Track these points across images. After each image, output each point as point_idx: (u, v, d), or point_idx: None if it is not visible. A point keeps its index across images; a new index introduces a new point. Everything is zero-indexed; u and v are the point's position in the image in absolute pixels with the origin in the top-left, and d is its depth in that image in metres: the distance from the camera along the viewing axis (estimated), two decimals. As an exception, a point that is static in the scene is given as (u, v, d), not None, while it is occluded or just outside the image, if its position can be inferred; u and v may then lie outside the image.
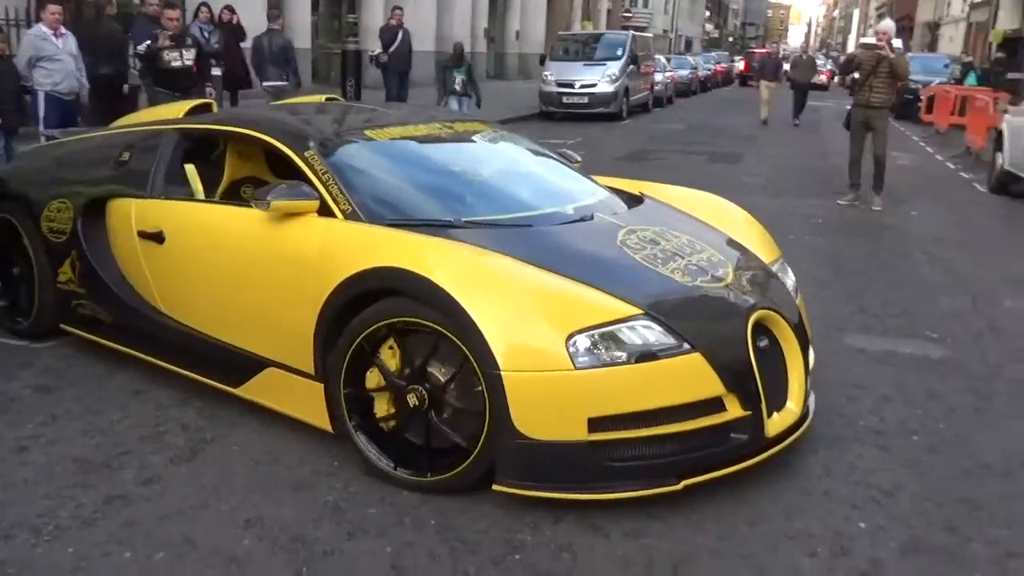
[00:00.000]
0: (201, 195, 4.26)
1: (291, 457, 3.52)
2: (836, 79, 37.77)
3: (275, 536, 2.97)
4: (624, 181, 4.84)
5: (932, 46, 48.88)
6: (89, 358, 4.47)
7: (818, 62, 30.98)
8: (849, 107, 10.41)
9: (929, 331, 5.41)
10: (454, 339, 3.11)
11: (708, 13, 79.41)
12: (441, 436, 3.25)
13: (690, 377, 3.14)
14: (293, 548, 2.91)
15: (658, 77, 25.32)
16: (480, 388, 3.07)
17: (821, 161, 14.06)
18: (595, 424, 3.00)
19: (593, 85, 19.97)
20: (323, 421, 3.51)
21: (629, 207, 4.24)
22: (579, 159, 5.03)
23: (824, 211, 9.53)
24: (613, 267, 3.50)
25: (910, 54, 24.28)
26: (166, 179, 4.26)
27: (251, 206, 3.67)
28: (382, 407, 3.37)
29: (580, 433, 3.00)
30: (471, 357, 3.06)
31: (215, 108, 4.98)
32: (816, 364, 3.92)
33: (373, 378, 3.37)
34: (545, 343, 3.02)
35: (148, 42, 9.01)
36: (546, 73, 20.71)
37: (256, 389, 3.76)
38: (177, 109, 4.88)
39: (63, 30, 8.40)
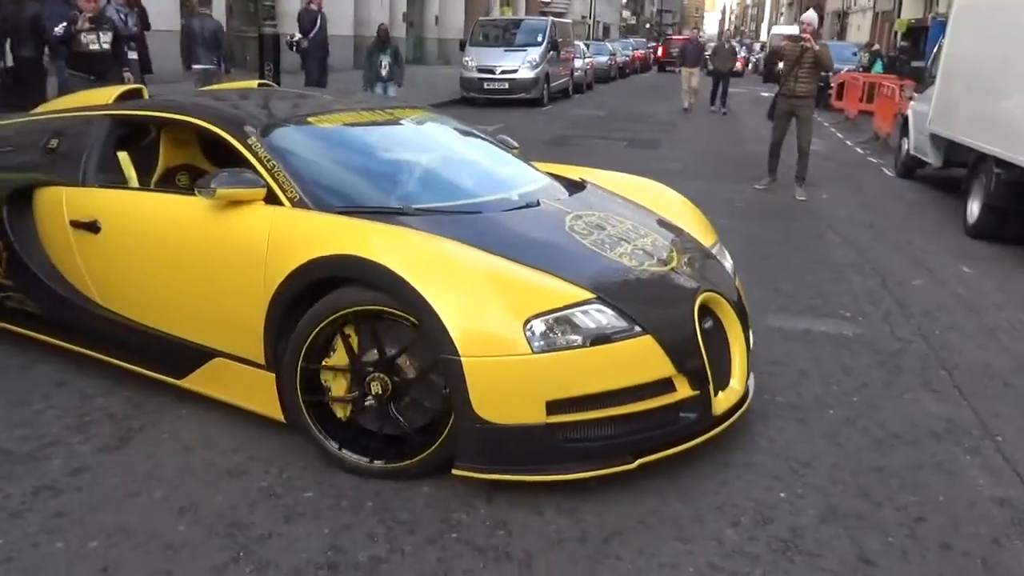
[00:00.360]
0: (135, 183, 4.16)
1: (224, 444, 3.50)
2: (749, 67, 38.53)
3: (210, 522, 2.97)
4: (563, 167, 4.89)
5: (841, 34, 50.28)
6: (9, 349, 4.35)
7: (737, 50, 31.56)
8: (769, 94, 10.68)
9: (843, 310, 5.64)
10: (412, 326, 3.12)
11: (625, 0, 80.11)
12: (402, 421, 3.27)
13: (642, 359, 3.21)
14: (229, 533, 2.91)
15: (578, 63, 25.48)
16: (439, 374, 3.09)
17: (738, 147, 14.40)
18: (553, 407, 3.05)
19: (514, 71, 20.05)
20: (274, 410, 3.48)
21: (571, 193, 4.28)
22: (517, 145, 5.06)
23: (741, 195, 9.78)
24: (563, 253, 3.55)
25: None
26: (99, 167, 4.11)
27: (193, 194, 3.59)
28: (339, 393, 3.35)
29: (539, 416, 3.05)
30: (430, 343, 3.07)
31: (146, 94, 4.83)
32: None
33: (329, 366, 3.34)
34: (503, 328, 3.05)
35: (65, 24, 8.70)
36: (466, 59, 20.69)
37: (202, 380, 3.70)
38: (106, 95, 4.70)
39: None
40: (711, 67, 21.66)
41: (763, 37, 71.68)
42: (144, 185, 4.25)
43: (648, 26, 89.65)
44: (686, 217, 4.44)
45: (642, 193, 4.58)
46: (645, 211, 4.29)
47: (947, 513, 3.22)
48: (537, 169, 4.60)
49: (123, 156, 4.18)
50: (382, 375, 3.23)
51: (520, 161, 4.66)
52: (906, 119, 11.82)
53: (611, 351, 3.15)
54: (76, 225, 3.99)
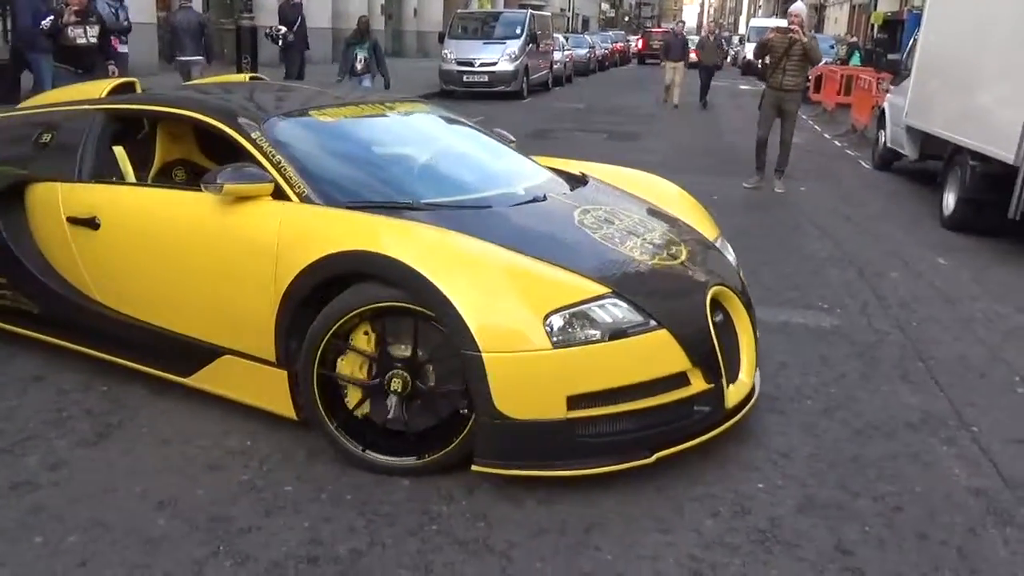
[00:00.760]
0: (132, 178, 4.08)
1: (203, 438, 3.49)
2: (728, 60, 38.45)
3: (190, 516, 2.96)
4: (559, 160, 4.87)
5: (819, 27, 50.53)
6: (-17, 343, 4.31)
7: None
8: (749, 87, 10.65)
9: (821, 302, 5.68)
10: (432, 322, 3.09)
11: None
12: (421, 418, 3.24)
13: (658, 353, 3.21)
14: (210, 527, 2.90)
15: (557, 56, 25.46)
16: (459, 369, 3.06)
17: (717, 140, 14.46)
18: (573, 402, 3.04)
19: (493, 64, 20.04)
20: (284, 408, 3.44)
21: (573, 187, 4.25)
22: (513, 139, 5.02)
23: (721, 189, 9.78)
24: (575, 247, 3.52)
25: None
26: (95, 162, 4.03)
27: (194, 189, 3.54)
28: (355, 394, 3.30)
29: (559, 411, 3.04)
30: (450, 339, 3.05)
31: (139, 88, 4.72)
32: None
33: (346, 364, 3.29)
34: (523, 323, 3.04)
35: (52, 17, 8.71)
36: (446, 51, 20.65)
37: (209, 378, 3.64)
38: (97, 88, 4.60)
39: None
40: (698, 61, 21.17)
41: (741, 30, 71.82)
42: (140, 181, 4.17)
43: (627, 19, 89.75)
44: (687, 210, 4.43)
45: (642, 187, 4.58)
46: (649, 205, 4.28)
47: (924, 503, 3.26)
48: (538, 163, 4.57)
49: (119, 151, 4.09)
50: (401, 372, 3.18)
51: (519, 155, 4.62)
52: (883, 112, 11.90)
53: (628, 345, 3.14)
54: (73, 221, 3.90)
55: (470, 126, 4.84)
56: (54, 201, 4.00)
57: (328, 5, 25.43)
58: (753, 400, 3.69)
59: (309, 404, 3.33)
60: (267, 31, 14.88)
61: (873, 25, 34.37)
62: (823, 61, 13.39)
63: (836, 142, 14.98)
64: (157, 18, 18.12)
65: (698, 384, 3.30)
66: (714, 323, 3.43)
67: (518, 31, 21.14)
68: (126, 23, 10.77)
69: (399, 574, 2.71)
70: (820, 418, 3.93)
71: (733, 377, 3.54)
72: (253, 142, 3.64)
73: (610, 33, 50.28)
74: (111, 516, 2.94)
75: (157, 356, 3.78)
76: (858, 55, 23.08)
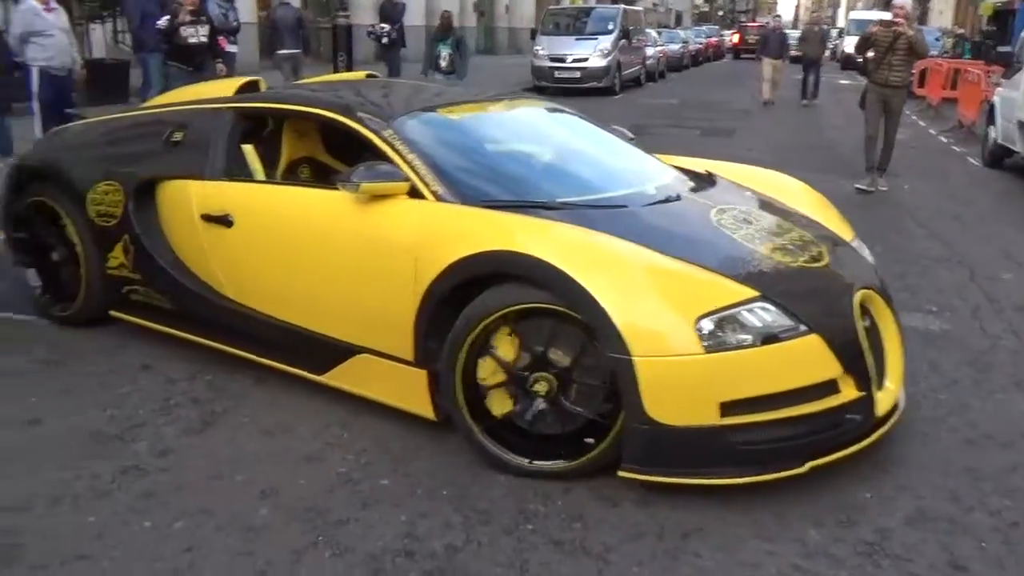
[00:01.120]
0: (261, 176, 4.13)
1: (302, 429, 3.55)
2: (849, 55, 37.26)
3: (291, 506, 3.01)
4: (682, 158, 4.76)
5: (922, 19, 48.82)
6: (96, 333, 4.47)
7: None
8: (849, 82, 10.30)
9: (929, 304, 5.46)
10: (580, 325, 3.05)
11: (698, -13, 78.96)
12: (569, 421, 3.18)
13: (810, 359, 3.11)
14: (308, 517, 2.94)
15: (649, 51, 25.18)
16: (606, 373, 3.02)
17: (816, 136, 14.08)
18: (727, 408, 2.97)
19: (585, 59, 19.90)
20: (423, 407, 3.43)
21: (701, 186, 4.13)
22: (632, 136, 4.93)
23: (822, 186, 9.47)
24: (717, 248, 3.42)
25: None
26: (226, 160, 4.07)
27: (327, 187, 3.57)
28: (499, 398, 3.24)
29: (712, 418, 2.96)
30: (598, 343, 3.00)
31: (263, 86, 4.76)
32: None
33: (487, 367, 3.23)
34: (673, 327, 2.97)
35: (168, 17, 9.24)
36: (537, 47, 20.61)
37: (344, 376, 3.64)
38: (225, 87, 4.69)
39: (53, 4, 8.35)
40: (801, 55, 20.06)
41: (840, 23, 69.93)
42: (270, 178, 4.22)
43: (721, 13, 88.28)
44: (822, 211, 4.25)
45: (769, 185, 4.42)
46: (783, 205, 4.13)
47: (1043, 518, 3.09)
48: (661, 161, 4.47)
49: (248, 149, 4.14)
50: (546, 375, 3.14)
51: (642, 152, 4.52)
52: (992, 106, 11.42)
53: (780, 351, 3.04)
54: (207, 219, 3.95)
55: (590, 122, 4.72)
56: (187, 198, 4.06)
57: (423, 2, 25.68)
58: (901, 408, 3.54)
59: (453, 407, 3.30)
60: (369, 29, 15.10)
61: (982, 16, 33.01)
62: (929, 54, 12.88)
63: (942, 138, 14.43)
64: (258, 17, 18.62)
65: (848, 391, 3.18)
66: (863, 328, 3.31)
67: (610, 27, 20.95)
68: (236, 23, 11.21)
69: (495, 572, 2.70)
70: (930, 426, 3.77)
71: (880, 384, 3.40)
72: (385, 140, 3.63)
73: (703, 28, 49.55)
74: (215, 503, 3.01)
75: (290, 353, 3.80)
76: (967, 48, 22.20)
